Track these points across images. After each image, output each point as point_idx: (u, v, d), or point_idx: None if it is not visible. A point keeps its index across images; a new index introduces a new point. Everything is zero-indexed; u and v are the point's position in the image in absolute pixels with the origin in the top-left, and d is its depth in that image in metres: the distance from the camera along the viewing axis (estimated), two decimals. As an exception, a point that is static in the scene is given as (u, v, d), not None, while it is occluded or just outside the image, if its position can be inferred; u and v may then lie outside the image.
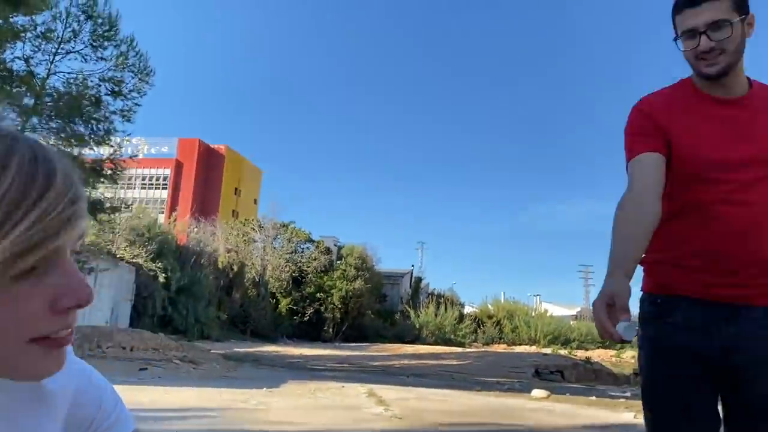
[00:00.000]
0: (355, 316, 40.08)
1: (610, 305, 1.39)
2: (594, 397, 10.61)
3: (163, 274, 24.27)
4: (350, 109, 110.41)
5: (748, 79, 1.78)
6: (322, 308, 38.94)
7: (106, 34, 16.35)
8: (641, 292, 1.84)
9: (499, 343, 41.91)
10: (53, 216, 0.53)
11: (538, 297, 58.86)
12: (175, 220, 33.73)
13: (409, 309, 43.42)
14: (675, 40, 1.73)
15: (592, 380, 18.00)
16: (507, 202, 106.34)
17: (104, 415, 0.78)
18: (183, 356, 14.12)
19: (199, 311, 26.94)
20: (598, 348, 39.27)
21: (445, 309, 43.04)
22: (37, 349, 0.56)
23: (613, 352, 35.83)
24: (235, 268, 34.21)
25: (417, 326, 41.52)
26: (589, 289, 73.83)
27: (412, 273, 54.21)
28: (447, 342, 38.62)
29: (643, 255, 1.68)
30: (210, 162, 56.60)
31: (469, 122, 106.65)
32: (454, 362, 22.80)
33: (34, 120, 15.63)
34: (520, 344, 41.12)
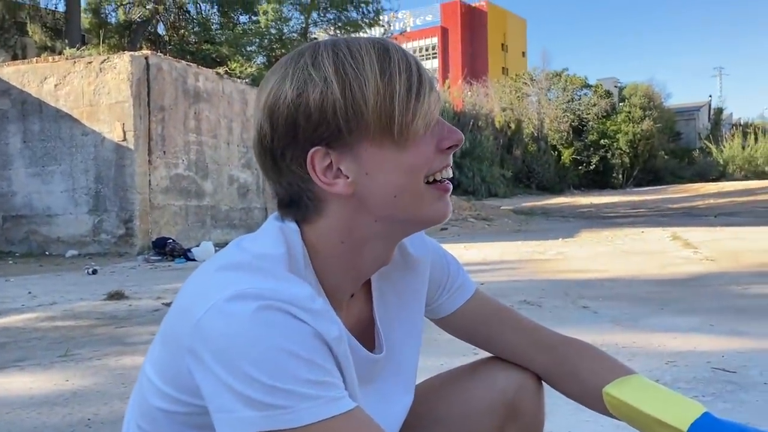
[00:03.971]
0: (645, 159, 37.57)
1: None
2: None
3: (446, 141, 25.43)
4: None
5: None
6: (608, 155, 37.20)
7: None
8: None
9: (829, 171, 35.69)
10: (434, 94, 0.71)
11: None
12: (448, 87, 34.54)
13: (709, 144, 39.11)
14: None
15: None
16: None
17: (452, 278, 0.93)
18: (476, 214, 14.94)
19: (484, 171, 27.87)
20: None
21: (755, 139, 37.76)
22: (432, 192, 0.72)
23: None
24: (512, 125, 34.18)
25: (721, 162, 37.40)
26: None
27: (710, 105, 48.30)
28: (760, 176, 34.19)
29: None
30: (473, 22, 55.82)
31: None
32: (772, 197, 20.20)
33: (314, 15, 17.01)
34: None
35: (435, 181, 0.72)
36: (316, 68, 0.68)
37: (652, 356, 2.66)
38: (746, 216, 13.56)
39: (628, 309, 3.79)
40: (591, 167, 37.01)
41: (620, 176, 37.36)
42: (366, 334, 0.81)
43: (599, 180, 36.55)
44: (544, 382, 0.95)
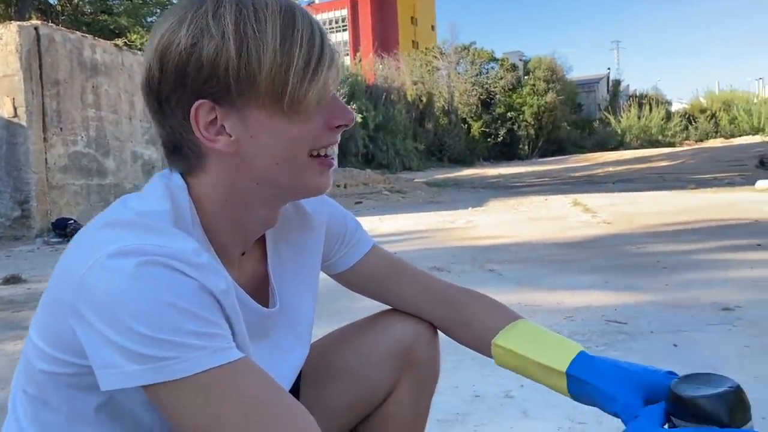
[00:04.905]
0: (549, 130, 39.00)
1: None
2: (835, 183, 9.46)
3: (360, 114, 25.37)
4: None
5: None
6: (515, 127, 38.35)
7: None
8: None
9: (715, 138, 38.41)
10: (333, 70, 0.70)
11: (760, 81, 51.81)
12: (360, 60, 34.38)
13: (608, 115, 41.09)
14: None
15: (833, 166, 15.92)
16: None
17: (350, 233, 0.95)
18: (391, 187, 15.09)
19: (398, 145, 28.09)
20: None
21: (650, 110, 39.99)
22: (315, 165, 0.72)
23: None
24: (424, 99, 34.54)
25: (619, 132, 39.41)
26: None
27: (608, 77, 50.57)
28: (654, 144, 36.35)
29: None
30: (382, -5, 55.63)
31: None
32: (664, 163, 21.57)
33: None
34: (739, 136, 37.30)
35: (319, 155, 0.72)
36: (216, 20, 0.65)
37: (552, 312, 2.81)
38: (641, 182, 14.42)
39: (532, 270, 3.98)
40: (499, 139, 38.05)
41: (526, 147, 38.63)
42: (261, 290, 0.82)
43: (507, 151, 37.65)
44: (439, 332, 0.99)
